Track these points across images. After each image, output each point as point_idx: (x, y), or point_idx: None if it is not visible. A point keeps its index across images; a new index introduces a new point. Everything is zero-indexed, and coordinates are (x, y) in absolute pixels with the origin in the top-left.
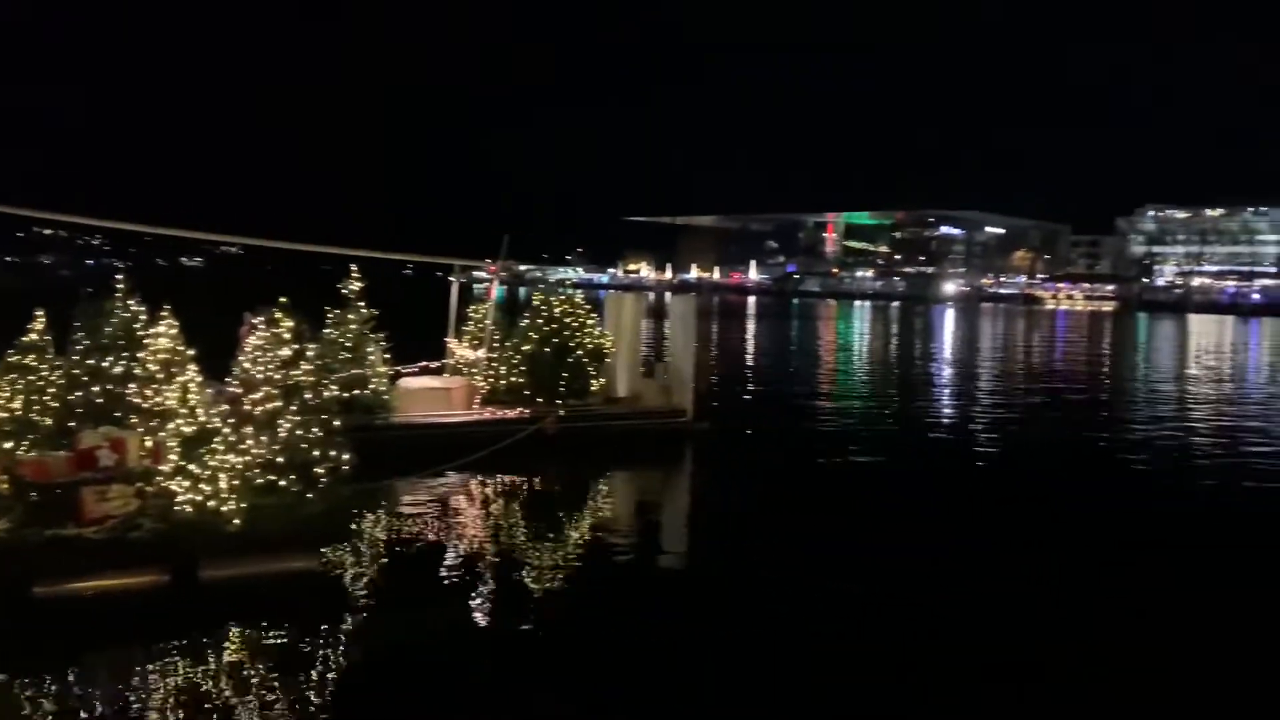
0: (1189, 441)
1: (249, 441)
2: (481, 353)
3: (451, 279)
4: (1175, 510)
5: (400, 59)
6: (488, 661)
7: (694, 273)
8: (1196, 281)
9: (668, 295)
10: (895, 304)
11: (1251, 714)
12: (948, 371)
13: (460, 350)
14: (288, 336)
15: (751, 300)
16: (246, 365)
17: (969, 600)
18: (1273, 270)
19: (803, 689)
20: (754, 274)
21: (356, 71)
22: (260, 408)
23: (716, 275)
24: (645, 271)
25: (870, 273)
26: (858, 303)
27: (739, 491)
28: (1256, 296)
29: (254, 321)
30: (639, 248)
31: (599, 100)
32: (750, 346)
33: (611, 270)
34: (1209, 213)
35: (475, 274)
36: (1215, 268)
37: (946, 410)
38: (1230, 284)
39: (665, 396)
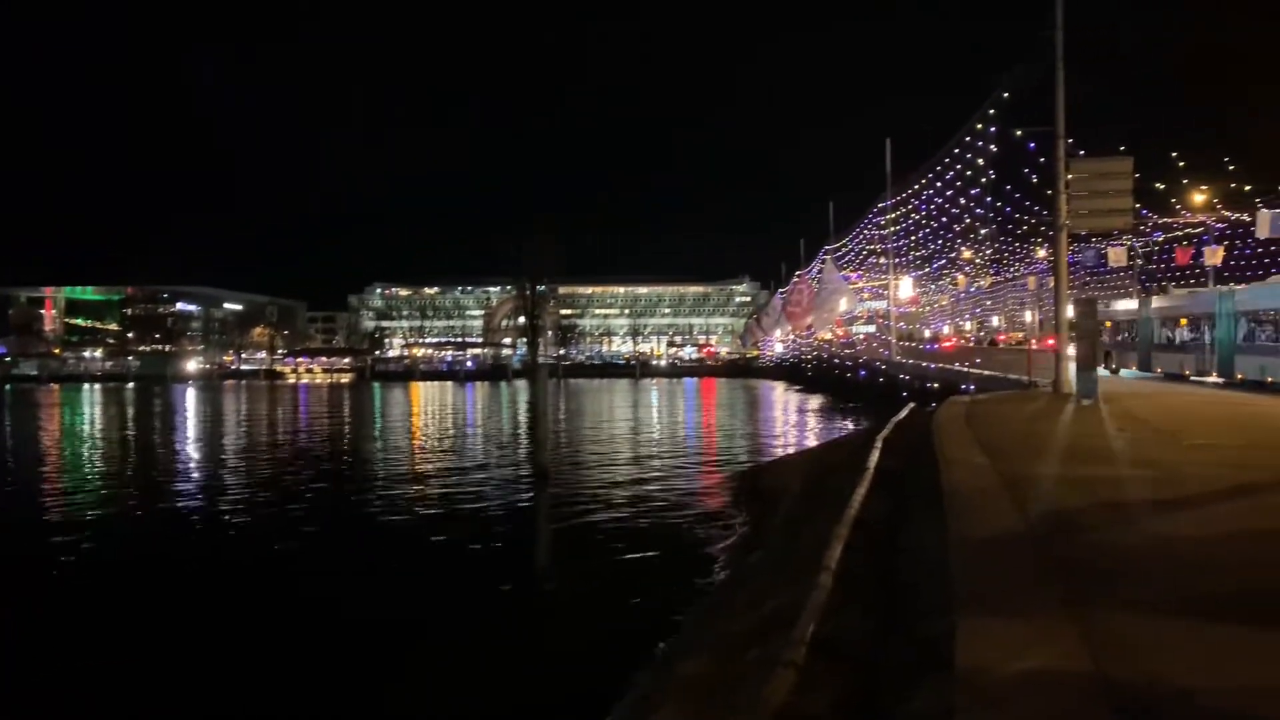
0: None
1: None
2: None
3: None
4: None
5: None
6: None
7: None
8: (421, 352)
9: None
10: (131, 385)
11: None
12: (184, 456)
13: None
14: None
15: None
16: None
17: None
18: (480, 340)
19: None
20: None
21: None
22: None
23: None
24: None
25: (100, 352)
26: (86, 386)
27: None
28: (470, 364)
29: None
30: None
31: None
32: None
33: None
34: (428, 291)
35: None
36: (436, 339)
37: (182, 499)
38: (448, 353)
39: None
